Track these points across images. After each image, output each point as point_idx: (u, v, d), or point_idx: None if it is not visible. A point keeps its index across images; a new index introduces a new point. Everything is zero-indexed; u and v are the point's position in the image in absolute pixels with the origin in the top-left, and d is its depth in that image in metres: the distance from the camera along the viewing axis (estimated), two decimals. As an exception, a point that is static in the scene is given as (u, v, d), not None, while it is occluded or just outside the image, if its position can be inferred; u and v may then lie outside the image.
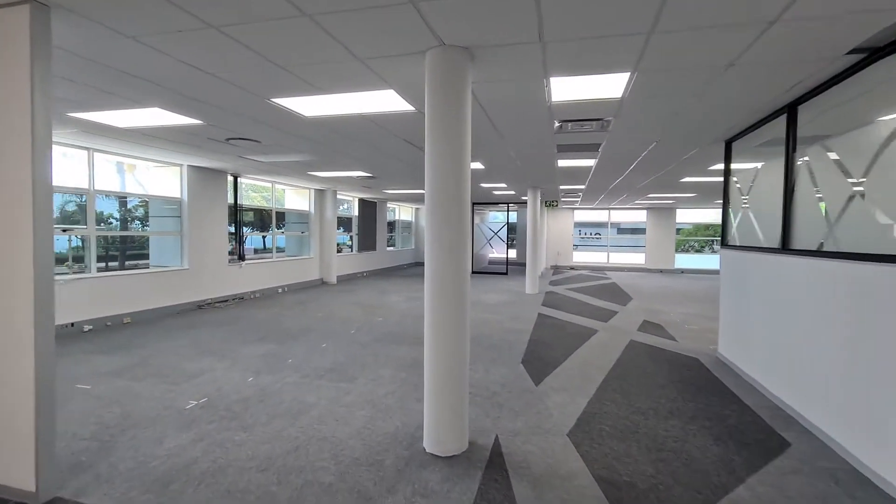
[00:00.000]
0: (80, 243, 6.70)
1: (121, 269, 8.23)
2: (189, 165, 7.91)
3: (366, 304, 8.80)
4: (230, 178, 8.92)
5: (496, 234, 16.47)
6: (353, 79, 3.30)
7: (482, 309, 8.34)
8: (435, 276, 2.89)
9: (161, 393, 3.86)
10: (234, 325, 6.69)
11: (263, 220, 11.47)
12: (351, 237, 14.91)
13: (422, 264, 19.82)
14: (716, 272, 17.31)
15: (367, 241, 15.05)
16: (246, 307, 8.37)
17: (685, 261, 18.82)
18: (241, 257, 9.22)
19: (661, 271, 17.69)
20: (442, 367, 2.91)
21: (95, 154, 6.45)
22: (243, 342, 5.67)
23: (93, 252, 6.51)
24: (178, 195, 7.93)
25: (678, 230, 18.23)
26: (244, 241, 9.39)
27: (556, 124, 4.56)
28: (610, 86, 3.39)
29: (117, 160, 7.45)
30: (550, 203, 13.79)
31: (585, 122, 4.41)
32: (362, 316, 7.56)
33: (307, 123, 4.66)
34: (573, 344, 5.76)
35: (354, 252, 14.52)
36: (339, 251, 13.26)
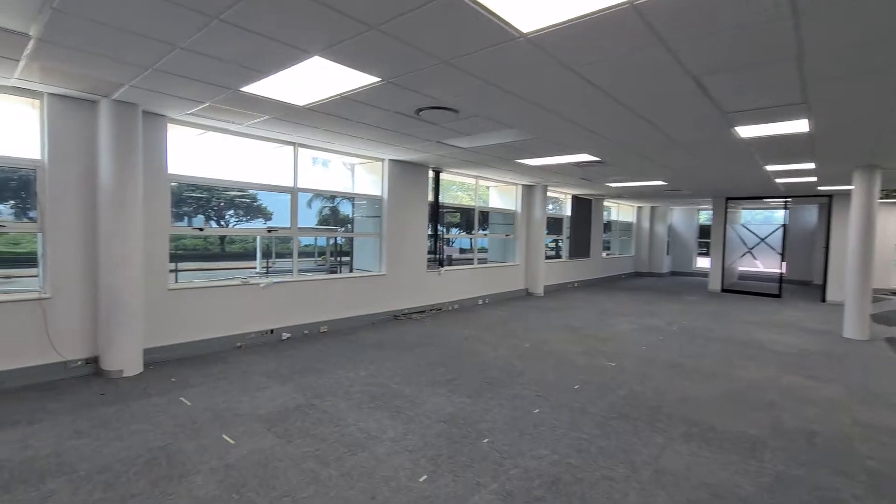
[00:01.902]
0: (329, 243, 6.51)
1: (350, 272, 8.08)
2: (390, 160, 7.13)
3: (585, 332, 6.60)
4: (431, 174, 7.94)
5: (763, 240, 11.91)
6: None
7: (769, 360, 5.16)
8: None
9: (297, 481, 2.54)
10: (424, 349, 5.43)
11: (469, 221, 10.41)
12: (557, 241, 12.83)
13: (643, 275, 16.29)
14: None
15: (579, 246, 12.71)
16: (442, 322, 7.19)
17: None
18: (441, 263, 8.18)
19: None
20: None
21: (301, 150, 6.05)
22: (429, 383, 4.23)
23: (294, 254, 6.16)
24: (379, 193, 7.25)
25: None
26: (450, 243, 8.30)
27: None
28: None
29: (348, 161, 7.15)
30: (891, 193, 8.90)
31: None
32: (584, 354, 5.41)
33: (525, 58, 2.80)
34: None
35: (564, 259, 12.38)
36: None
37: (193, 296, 5.06)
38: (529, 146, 5.73)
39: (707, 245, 20.17)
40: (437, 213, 8.01)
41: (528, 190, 10.40)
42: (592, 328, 6.99)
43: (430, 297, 8.04)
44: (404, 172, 7.40)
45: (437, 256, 8.11)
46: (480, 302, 9.16)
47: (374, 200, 7.36)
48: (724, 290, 12.08)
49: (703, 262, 17.25)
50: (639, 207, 16.59)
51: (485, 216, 10.38)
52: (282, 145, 5.94)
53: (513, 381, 4.38)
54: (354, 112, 4.25)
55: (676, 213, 17.17)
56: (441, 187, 8.13)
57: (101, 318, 4.25)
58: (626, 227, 16.44)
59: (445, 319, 7.43)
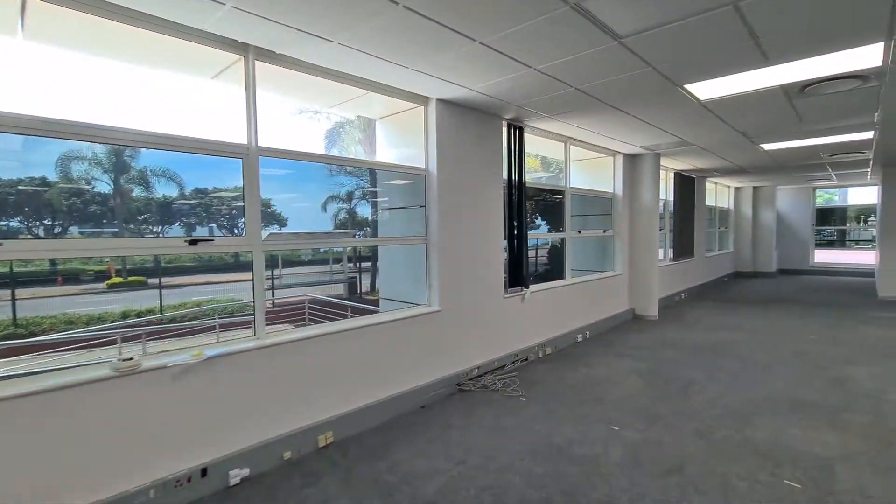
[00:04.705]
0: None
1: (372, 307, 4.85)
2: (440, 100, 3.86)
3: (860, 421, 3.20)
4: (506, 131, 4.62)
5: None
6: None
7: None
8: None
9: None
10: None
11: (544, 211, 7.09)
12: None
13: (746, 276, 12.64)
14: None
15: (684, 243, 9.21)
16: (542, 390, 3.88)
17: None
18: (525, 281, 4.85)
19: None
20: None
21: (263, 67, 2.84)
22: None
23: (255, 295, 2.94)
24: (421, 164, 3.98)
25: None
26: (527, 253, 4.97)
27: None
28: None
29: (363, 109, 3.95)
30: None
31: None
32: None
33: None
34: None
35: (667, 261, 8.89)
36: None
37: (-38, 427, 1.88)
38: (774, 24, 2.38)
39: (824, 234, 15.88)
40: (520, 198, 4.67)
41: (631, 163, 6.99)
42: (847, 403, 3.57)
43: (512, 340, 4.74)
44: (464, 126, 4.12)
45: (522, 271, 4.77)
46: (580, 338, 5.80)
47: (409, 185, 4.11)
48: (907, 298, 8.40)
49: (821, 257, 13.49)
50: (736, 188, 12.93)
51: (555, 205, 6.94)
52: (225, 65, 2.75)
53: None
54: None
55: (783, 195, 13.42)
56: (524, 156, 4.78)
57: None
58: (724, 215, 12.79)
59: (545, 383, 4.11)
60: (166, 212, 18.46)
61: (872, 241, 18.07)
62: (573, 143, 5.76)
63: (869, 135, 5.67)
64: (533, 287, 5.08)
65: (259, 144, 2.81)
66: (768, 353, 5.05)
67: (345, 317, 8.54)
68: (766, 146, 6.37)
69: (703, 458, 2.81)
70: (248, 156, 2.77)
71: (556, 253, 7.89)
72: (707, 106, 4.16)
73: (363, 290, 16.41)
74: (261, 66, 2.83)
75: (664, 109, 4.29)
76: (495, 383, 4.19)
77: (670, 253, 8.85)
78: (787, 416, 3.41)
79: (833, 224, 15.91)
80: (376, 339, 3.44)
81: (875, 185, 11.82)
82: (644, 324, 6.75)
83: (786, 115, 4.57)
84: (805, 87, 3.70)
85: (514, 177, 4.64)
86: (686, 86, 3.59)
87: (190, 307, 13.51)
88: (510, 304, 4.72)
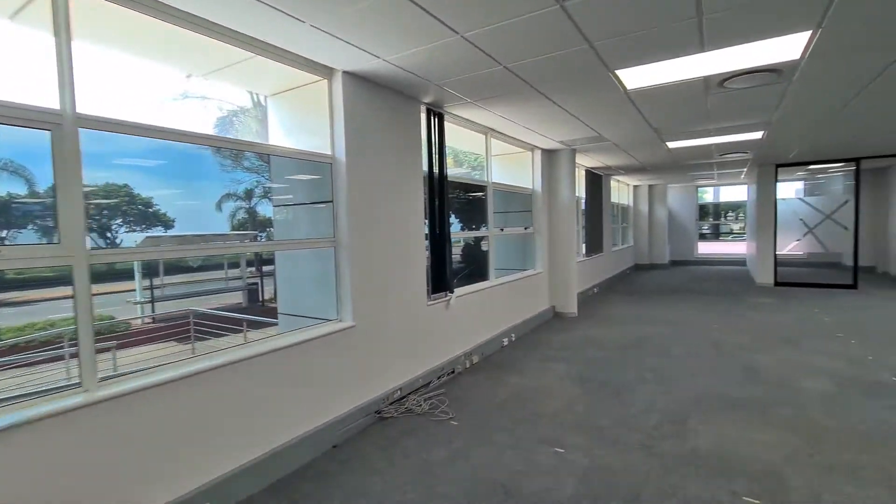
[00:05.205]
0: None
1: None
2: (347, 73, 3.20)
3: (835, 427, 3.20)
4: (425, 117, 4.08)
5: (829, 216, 9.35)
6: None
7: None
8: None
9: None
10: None
11: (458, 209, 6.67)
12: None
13: (645, 269, 13.57)
14: None
15: (594, 239, 9.45)
16: (473, 409, 3.43)
17: None
18: (449, 285, 4.35)
19: None
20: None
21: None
22: None
23: (82, 330, 2.06)
24: (327, 150, 3.28)
25: None
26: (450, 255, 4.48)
27: None
28: None
29: (250, 83, 3.14)
30: None
31: None
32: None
33: None
34: None
35: (581, 256, 9.04)
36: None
37: None
38: None
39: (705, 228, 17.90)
40: (442, 194, 4.15)
41: (548, 158, 6.87)
42: (768, 396, 3.61)
43: (437, 352, 4.23)
44: (377, 108, 3.50)
45: (446, 274, 4.27)
46: (506, 341, 5.49)
47: (316, 180, 3.39)
48: (777, 284, 9.44)
49: (702, 248, 14.96)
50: (635, 186, 13.80)
51: (469, 201, 6.59)
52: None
53: None
54: None
55: (672, 193, 14.64)
56: (444, 146, 4.27)
57: None
58: (624, 212, 13.58)
59: (476, 400, 3.66)
60: (8, 213, 15.18)
61: (731, 233, 21.03)
62: (494, 135, 5.40)
63: (758, 135, 6.09)
64: (457, 291, 4.62)
65: (79, 112, 1.94)
66: (684, 347, 5.14)
67: (240, 331, 7.43)
68: (672, 144, 6.61)
69: (657, 478, 2.54)
70: (62, 127, 1.90)
71: (472, 252, 7.58)
72: (631, 96, 4.01)
73: (266, 297, 14.87)
74: (87, 4, 1.97)
75: (590, 98, 4.05)
76: (421, 405, 3.64)
77: (583, 249, 9.02)
78: (719, 415, 3.33)
79: (706, 219, 17.82)
80: (274, 369, 2.70)
81: (745, 184, 13.35)
82: (566, 322, 6.66)
83: (698, 110, 4.62)
84: (724, 80, 3.68)
85: (435, 170, 4.13)
86: (617, 71, 3.34)
87: (40, 328, 11.08)
88: (434, 311, 4.20)
